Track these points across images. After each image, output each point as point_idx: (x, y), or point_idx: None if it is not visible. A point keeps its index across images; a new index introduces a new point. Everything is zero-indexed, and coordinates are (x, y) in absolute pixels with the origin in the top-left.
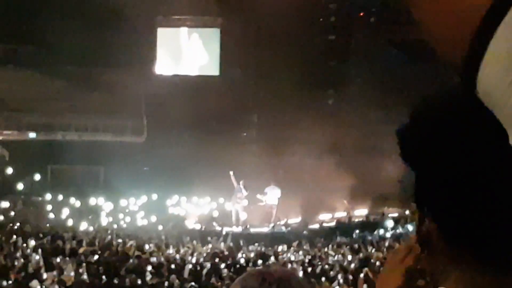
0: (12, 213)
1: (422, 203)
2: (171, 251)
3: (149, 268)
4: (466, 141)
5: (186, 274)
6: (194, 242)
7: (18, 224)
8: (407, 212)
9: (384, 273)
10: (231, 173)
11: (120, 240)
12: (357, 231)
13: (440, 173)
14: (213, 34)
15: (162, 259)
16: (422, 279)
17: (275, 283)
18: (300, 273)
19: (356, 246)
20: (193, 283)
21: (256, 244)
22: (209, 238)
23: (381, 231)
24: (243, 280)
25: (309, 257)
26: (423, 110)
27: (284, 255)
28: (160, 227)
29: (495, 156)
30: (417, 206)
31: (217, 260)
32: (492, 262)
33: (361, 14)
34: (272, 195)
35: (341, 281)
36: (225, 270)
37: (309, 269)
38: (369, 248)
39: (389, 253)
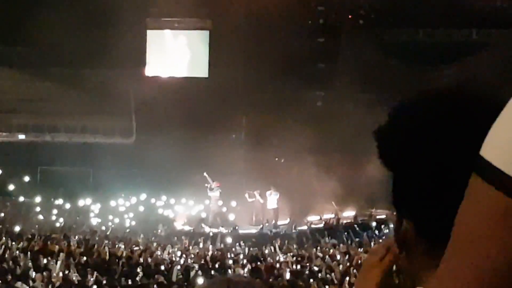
0: (1, 215)
1: (399, 203)
2: (159, 252)
3: (138, 269)
4: (442, 142)
5: (174, 276)
6: (183, 243)
7: (7, 225)
8: (395, 213)
9: (362, 272)
10: (205, 174)
11: (109, 241)
12: (345, 232)
13: (417, 174)
14: (202, 36)
15: (150, 260)
16: (400, 277)
17: None
18: (288, 274)
19: (344, 247)
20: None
21: (244, 245)
22: (198, 239)
23: (369, 233)
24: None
25: (298, 258)
26: (400, 112)
27: (273, 256)
28: (149, 229)
29: (472, 157)
30: (394, 206)
31: (204, 261)
32: None
33: (350, 16)
34: (272, 199)
35: (329, 282)
36: (213, 272)
37: (297, 270)
38: (357, 249)
39: (368, 253)
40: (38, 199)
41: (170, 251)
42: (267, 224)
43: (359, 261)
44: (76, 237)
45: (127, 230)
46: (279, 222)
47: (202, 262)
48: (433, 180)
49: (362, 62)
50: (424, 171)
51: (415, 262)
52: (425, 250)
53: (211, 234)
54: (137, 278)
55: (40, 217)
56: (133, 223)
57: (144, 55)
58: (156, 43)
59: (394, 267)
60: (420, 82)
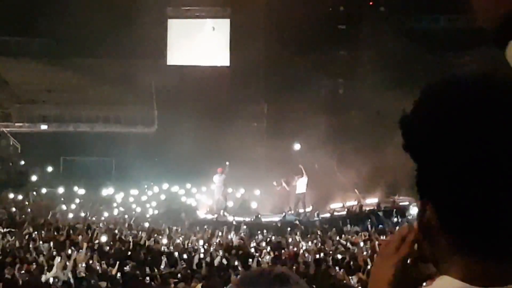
0: (26, 203)
1: (424, 191)
2: (181, 241)
3: (161, 258)
4: (468, 131)
5: (194, 264)
6: (205, 232)
7: (30, 215)
8: (419, 200)
9: (377, 263)
10: (227, 163)
11: (132, 231)
12: (368, 219)
13: (442, 162)
14: (223, 25)
15: (173, 248)
16: (417, 267)
17: (276, 283)
18: (312, 262)
19: (367, 234)
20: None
21: (267, 233)
22: (221, 228)
23: (393, 220)
24: (241, 279)
25: (321, 246)
26: (426, 101)
27: (296, 244)
28: (172, 218)
29: (497, 146)
30: (419, 194)
31: (226, 249)
32: (493, 249)
33: (371, 3)
34: (301, 183)
35: (353, 269)
36: (236, 260)
37: (321, 258)
38: (380, 237)
39: (382, 244)
40: (61, 189)
41: (193, 239)
42: (290, 212)
43: None
44: (100, 226)
45: (149, 219)
46: (301, 210)
47: (225, 250)
48: (458, 169)
49: (384, 49)
50: (450, 159)
51: (437, 249)
52: (448, 237)
53: (234, 222)
54: (161, 267)
55: (63, 207)
56: (156, 212)
57: (165, 44)
58: (177, 32)
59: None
60: (442, 69)
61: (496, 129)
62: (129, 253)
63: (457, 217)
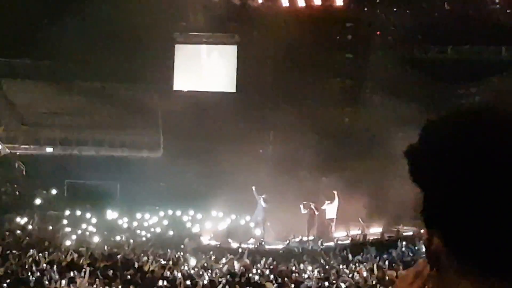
0: (29, 227)
1: (431, 220)
2: (186, 267)
3: (164, 283)
4: (475, 161)
5: None
6: (209, 258)
7: (34, 238)
8: (421, 231)
9: None
10: (254, 188)
11: (135, 255)
12: (372, 249)
13: (449, 192)
14: (230, 51)
15: (176, 273)
16: None
17: None
18: None
19: (370, 264)
20: None
21: (271, 260)
22: (224, 254)
23: (396, 250)
24: None
25: (324, 274)
26: (433, 131)
27: (299, 272)
28: (176, 243)
29: (503, 176)
30: (426, 224)
31: (231, 276)
32: (501, 276)
33: (378, 32)
34: (331, 209)
35: None
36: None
37: (324, 286)
38: (383, 266)
39: (397, 280)
40: (65, 212)
41: (197, 266)
42: (293, 239)
43: (386, 278)
44: (104, 250)
45: (153, 244)
46: (305, 238)
47: (229, 277)
48: (465, 198)
49: (390, 79)
50: (456, 189)
51: (445, 279)
52: (455, 267)
53: (240, 250)
54: None
55: (68, 230)
56: (160, 237)
57: (172, 69)
58: (184, 58)
59: None
60: (448, 99)
61: (504, 159)
62: (132, 278)
63: (464, 245)
